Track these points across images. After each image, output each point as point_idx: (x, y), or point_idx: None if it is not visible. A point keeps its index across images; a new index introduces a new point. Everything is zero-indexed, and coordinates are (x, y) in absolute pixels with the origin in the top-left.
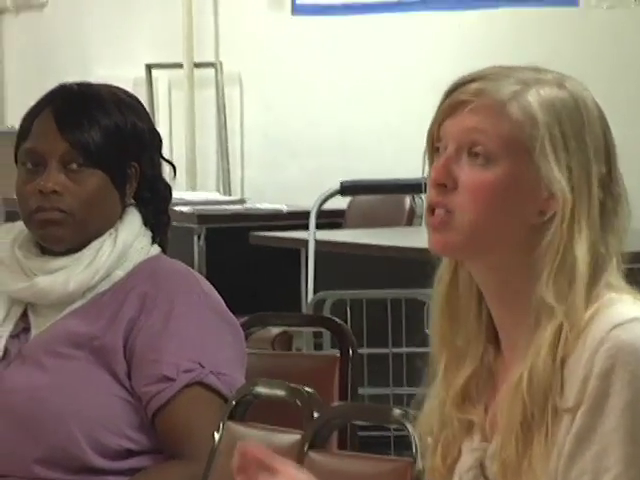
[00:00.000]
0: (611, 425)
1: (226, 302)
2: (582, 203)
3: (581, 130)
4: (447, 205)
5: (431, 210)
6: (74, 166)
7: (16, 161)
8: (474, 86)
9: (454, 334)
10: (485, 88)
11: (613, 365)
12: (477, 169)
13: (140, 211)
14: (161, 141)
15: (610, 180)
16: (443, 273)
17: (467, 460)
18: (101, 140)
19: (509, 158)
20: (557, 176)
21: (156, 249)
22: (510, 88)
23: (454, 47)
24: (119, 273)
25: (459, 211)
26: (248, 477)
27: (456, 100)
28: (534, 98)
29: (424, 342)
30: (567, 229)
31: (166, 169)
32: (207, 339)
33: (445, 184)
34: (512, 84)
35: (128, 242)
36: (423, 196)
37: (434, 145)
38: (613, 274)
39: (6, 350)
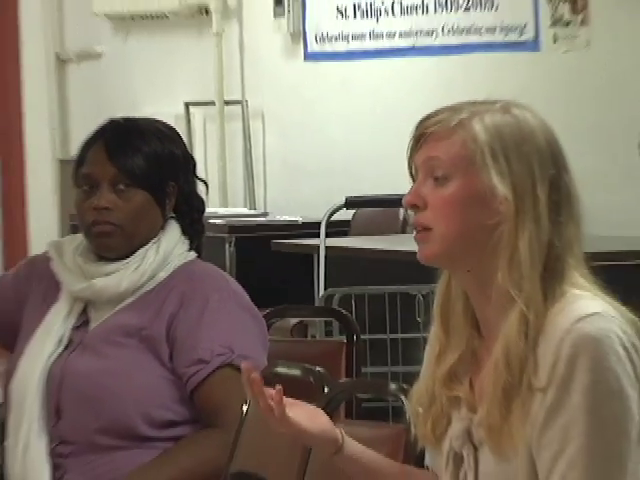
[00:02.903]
0: (575, 402)
1: (252, 298)
2: (526, 203)
3: (522, 144)
4: (424, 223)
5: (415, 228)
6: (121, 187)
7: (74, 184)
8: (433, 120)
9: (446, 327)
10: (440, 120)
11: (577, 352)
12: (438, 188)
13: (179, 222)
14: (195, 164)
15: (559, 180)
16: (440, 286)
17: (456, 428)
18: (143, 165)
19: (460, 174)
20: (498, 183)
21: (193, 254)
22: (459, 117)
23: (438, 85)
24: (162, 275)
25: (435, 226)
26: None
27: (420, 132)
28: (478, 123)
29: (416, 329)
30: (512, 227)
31: (201, 187)
32: (235, 329)
33: (417, 205)
34: (462, 114)
35: (169, 249)
36: None
37: (412, 173)
38: (578, 272)
39: (70, 340)
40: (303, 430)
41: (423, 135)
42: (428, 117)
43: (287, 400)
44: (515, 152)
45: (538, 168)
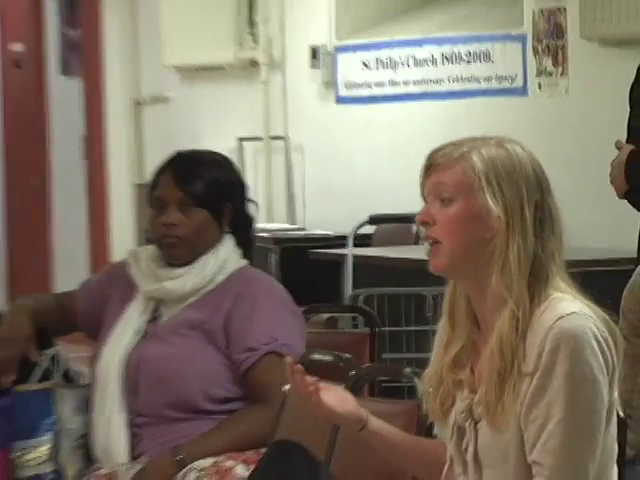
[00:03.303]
0: (556, 386)
1: (292, 297)
2: (515, 221)
3: (512, 173)
4: (433, 237)
5: (426, 241)
6: (186, 207)
7: (148, 204)
8: (440, 153)
9: (452, 323)
10: (445, 153)
11: (558, 345)
12: (444, 208)
13: (233, 235)
14: (247, 188)
15: (543, 202)
16: (448, 289)
17: (460, 406)
18: (204, 189)
19: (462, 197)
20: (492, 205)
21: (245, 262)
22: (461, 151)
23: (444, 124)
24: (220, 278)
25: (442, 239)
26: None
27: (430, 163)
28: (476, 155)
29: (426, 323)
30: (503, 241)
31: (251, 207)
32: (279, 322)
33: (427, 222)
34: (463, 148)
35: (225, 257)
36: None
37: (424, 196)
38: (561, 277)
39: (145, 331)
40: (334, 412)
41: (432, 165)
42: (436, 150)
43: (321, 385)
44: (506, 179)
45: (526, 192)
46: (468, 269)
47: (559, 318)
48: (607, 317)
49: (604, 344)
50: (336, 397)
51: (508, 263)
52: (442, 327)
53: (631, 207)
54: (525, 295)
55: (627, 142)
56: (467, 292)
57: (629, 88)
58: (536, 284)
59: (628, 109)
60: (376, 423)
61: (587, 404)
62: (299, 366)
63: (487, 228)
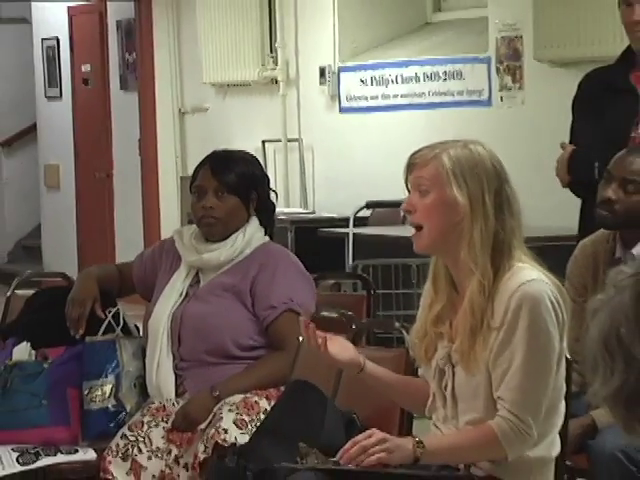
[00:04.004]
0: (518, 337)
1: (305, 266)
2: (477, 207)
3: (474, 167)
4: (415, 222)
5: (411, 226)
6: (220, 194)
7: (190, 192)
8: (418, 154)
9: (435, 286)
10: (422, 154)
11: (520, 305)
12: (422, 198)
13: (258, 217)
14: (269, 180)
15: (501, 190)
16: (432, 261)
17: (441, 353)
18: (235, 180)
19: (435, 188)
20: (458, 195)
21: (267, 238)
22: (434, 152)
23: (424, 129)
24: (247, 251)
25: (423, 224)
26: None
27: (410, 162)
28: (445, 155)
29: (412, 287)
30: (469, 223)
31: (272, 195)
32: (295, 286)
33: (409, 210)
34: (436, 150)
35: (252, 234)
36: None
37: (408, 188)
38: (522, 250)
39: (187, 293)
40: (337, 360)
41: (412, 164)
42: (414, 152)
43: (328, 336)
44: (469, 173)
45: (486, 183)
46: (444, 247)
47: (521, 284)
48: (558, 282)
49: (556, 304)
50: (339, 346)
51: (473, 241)
52: (427, 291)
53: (573, 195)
54: (488, 267)
55: (570, 143)
56: (446, 263)
57: (572, 100)
58: (499, 257)
59: (571, 117)
60: (371, 366)
61: (542, 351)
62: (312, 325)
63: (456, 213)
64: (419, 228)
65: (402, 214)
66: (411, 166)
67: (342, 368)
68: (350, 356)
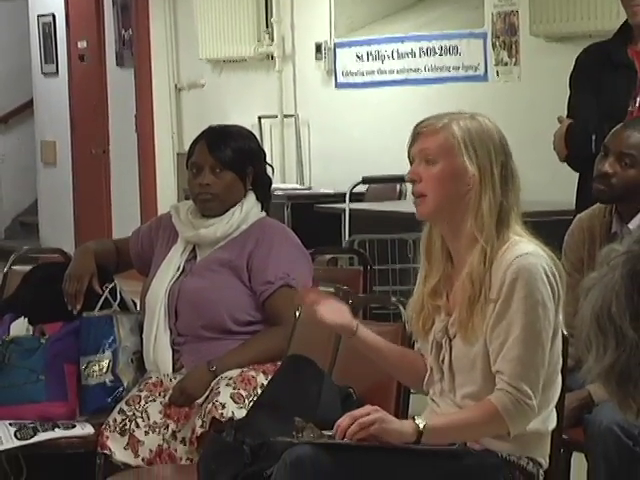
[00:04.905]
0: (515, 309)
1: (302, 242)
2: (486, 178)
3: (484, 139)
4: (420, 191)
5: (414, 195)
6: (217, 170)
7: (187, 168)
8: (425, 123)
9: (429, 259)
10: (430, 123)
11: (516, 277)
12: (429, 168)
13: (254, 193)
14: (265, 155)
15: (507, 163)
16: (423, 233)
17: (438, 326)
18: (231, 155)
19: (443, 158)
20: (468, 165)
21: (263, 214)
22: (442, 122)
23: (422, 103)
24: (244, 226)
25: (428, 193)
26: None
27: (417, 132)
28: (455, 125)
29: (408, 261)
30: (477, 193)
31: (269, 170)
32: (291, 261)
33: (415, 179)
34: (444, 120)
35: (248, 210)
36: (406, 184)
37: (411, 159)
38: (518, 224)
39: (184, 268)
40: (327, 323)
41: (418, 133)
42: (421, 122)
43: (322, 299)
44: (479, 144)
45: (494, 155)
46: (446, 216)
47: (517, 257)
48: (554, 256)
49: (552, 278)
50: (331, 309)
51: (481, 211)
52: (422, 263)
53: (570, 169)
54: (494, 235)
55: (567, 117)
56: (443, 234)
57: (569, 75)
58: (501, 227)
59: (568, 91)
60: (365, 332)
61: (538, 324)
62: (309, 294)
63: (464, 183)
64: (423, 196)
65: (398, 189)
66: (417, 135)
67: (334, 331)
68: (342, 320)
